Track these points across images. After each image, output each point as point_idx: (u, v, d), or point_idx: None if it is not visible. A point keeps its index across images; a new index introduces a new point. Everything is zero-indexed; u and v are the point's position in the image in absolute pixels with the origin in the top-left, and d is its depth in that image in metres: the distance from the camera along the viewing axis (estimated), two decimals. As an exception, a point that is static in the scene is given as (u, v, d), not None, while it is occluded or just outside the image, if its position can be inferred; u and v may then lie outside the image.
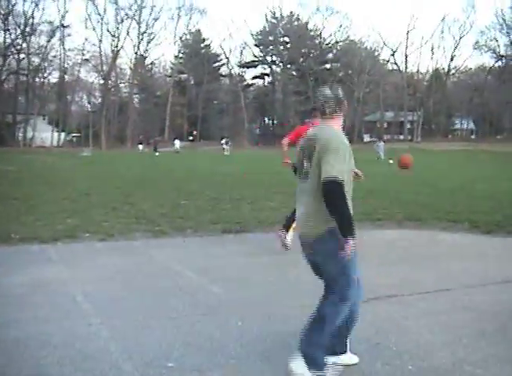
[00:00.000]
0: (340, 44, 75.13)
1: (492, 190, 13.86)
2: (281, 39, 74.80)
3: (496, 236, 7.79)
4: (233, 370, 3.21)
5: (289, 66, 75.28)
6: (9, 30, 59.09)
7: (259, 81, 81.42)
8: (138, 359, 3.33)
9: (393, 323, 4.05)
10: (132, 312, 4.22)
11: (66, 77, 66.33)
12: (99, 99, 69.92)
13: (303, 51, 73.61)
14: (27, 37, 60.04)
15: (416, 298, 4.69)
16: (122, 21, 67.19)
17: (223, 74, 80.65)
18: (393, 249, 6.93)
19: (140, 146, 48.77)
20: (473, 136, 72.63)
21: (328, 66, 74.98)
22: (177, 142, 50.34)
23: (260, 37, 75.16)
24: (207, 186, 14.62)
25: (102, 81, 68.56)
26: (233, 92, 75.34)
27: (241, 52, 79.17)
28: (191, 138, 72.24)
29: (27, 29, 59.78)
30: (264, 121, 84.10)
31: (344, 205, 2.90)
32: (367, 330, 3.80)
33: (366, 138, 71.19)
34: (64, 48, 64.11)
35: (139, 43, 69.52)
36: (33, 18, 60.22)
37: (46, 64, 64.45)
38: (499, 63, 71.18)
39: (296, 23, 74.96)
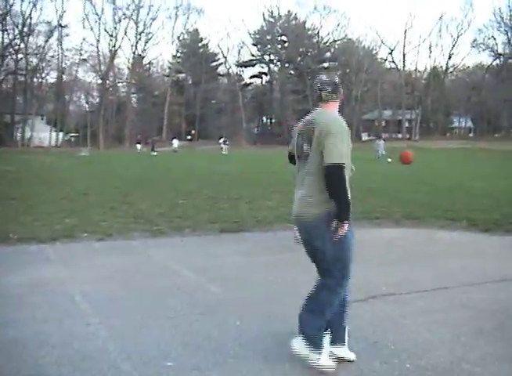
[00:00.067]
0: (338, 43, 75.19)
1: (490, 189, 13.89)
2: (279, 38, 74.72)
3: (494, 234, 7.80)
4: (232, 369, 3.21)
5: (287, 65, 75.22)
6: (6, 30, 59.02)
7: (257, 80, 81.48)
8: (137, 358, 3.33)
9: (391, 321, 4.06)
10: (130, 311, 4.22)
11: (64, 77, 66.37)
12: (97, 99, 69.82)
13: (301, 50, 73.56)
14: (25, 38, 59.95)
15: (414, 296, 4.69)
16: (120, 21, 67.12)
17: (221, 73, 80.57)
18: (391, 247, 6.93)
19: (138, 146, 48.71)
20: (471, 134, 72.58)
21: (326, 64, 74.86)
22: (175, 142, 50.33)
23: (257, 36, 75.08)
24: (205, 185, 14.62)
25: (100, 81, 68.54)
26: (231, 91, 75.26)
27: (239, 52, 79.38)
28: (189, 137, 72.19)
29: (25, 29, 59.70)
30: (262, 120, 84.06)
31: (343, 189, 3.00)
32: (365, 329, 3.81)
33: (364, 136, 71.07)
34: (62, 48, 64.16)
35: (137, 43, 69.57)
36: (31, 18, 60.20)
37: (44, 64, 64.48)
38: (497, 61, 71.35)
39: (293, 22, 74.89)
